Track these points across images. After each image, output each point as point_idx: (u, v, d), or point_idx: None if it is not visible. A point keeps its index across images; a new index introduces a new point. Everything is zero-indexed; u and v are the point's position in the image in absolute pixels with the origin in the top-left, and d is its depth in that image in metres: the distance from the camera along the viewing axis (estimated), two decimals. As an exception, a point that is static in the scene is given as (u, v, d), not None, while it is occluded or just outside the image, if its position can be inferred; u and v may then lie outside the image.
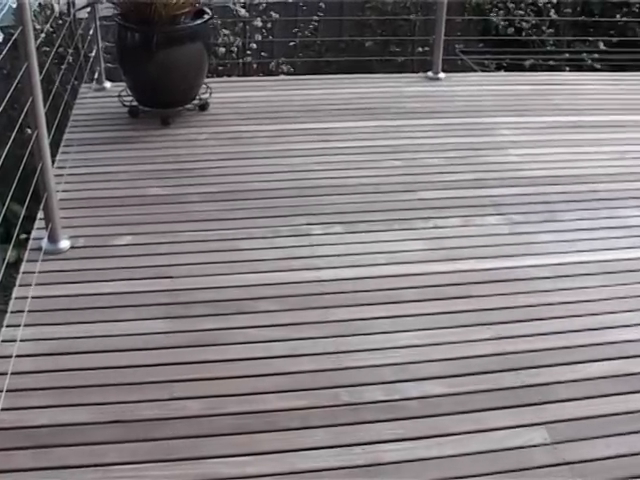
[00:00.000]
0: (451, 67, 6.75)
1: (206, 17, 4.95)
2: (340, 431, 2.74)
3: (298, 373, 2.98)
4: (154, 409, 2.79)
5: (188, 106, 5.02)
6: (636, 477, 2.63)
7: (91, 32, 5.37)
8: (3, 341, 3.04)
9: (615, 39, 8.49)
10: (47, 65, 4.69)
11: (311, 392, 2.89)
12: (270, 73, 7.18)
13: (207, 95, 5.11)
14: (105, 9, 5.24)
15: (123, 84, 5.08)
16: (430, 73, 5.82)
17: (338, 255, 3.66)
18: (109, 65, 5.52)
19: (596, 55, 8.30)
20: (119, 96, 5.02)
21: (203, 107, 5.08)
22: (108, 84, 5.41)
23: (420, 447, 2.69)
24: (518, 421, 2.81)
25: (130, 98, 5.01)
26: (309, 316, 3.27)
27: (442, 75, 5.82)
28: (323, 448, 2.67)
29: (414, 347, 3.14)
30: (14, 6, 3.20)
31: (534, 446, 2.72)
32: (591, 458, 2.69)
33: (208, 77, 5.39)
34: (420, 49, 7.95)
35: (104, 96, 5.29)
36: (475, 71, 7.23)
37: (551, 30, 8.46)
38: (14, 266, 3.73)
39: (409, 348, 3.13)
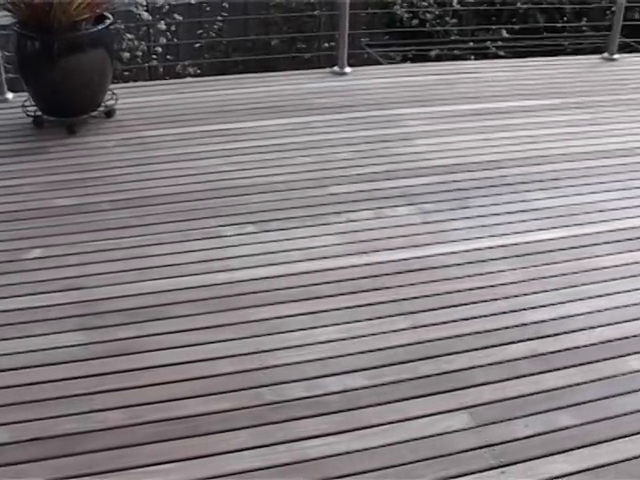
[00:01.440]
0: (358, 61, 6.80)
1: (108, 22, 4.88)
2: (264, 431, 2.73)
3: (218, 376, 2.95)
4: (75, 423, 2.73)
5: (94, 113, 4.94)
6: (554, 454, 2.68)
7: (-11, 42, 5.25)
8: None
9: (517, 26, 8.65)
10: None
11: (232, 394, 2.87)
12: (177, 76, 7.14)
13: (113, 101, 5.05)
14: (3, 17, 5.12)
15: (26, 94, 4.98)
16: (336, 68, 5.85)
17: (252, 255, 3.64)
18: (10, 75, 5.41)
19: (500, 43, 8.45)
20: (23, 106, 4.92)
21: (109, 114, 5.01)
22: (10, 95, 5.30)
23: (344, 441, 2.70)
24: (439, 408, 2.84)
25: (34, 108, 4.91)
26: (226, 318, 3.24)
27: (348, 69, 5.85)
28: (247, 449, 2.65)
29: (334, 342, 3.14)
30: None
31: (456, 431, 2.75)
32: (512, 439, 2.72)
33: (113, 83, 5.32)
34: (326, 44, 7.99)
35: (7, 107, 5.18)
36: (381, 64, 7.28)
37: (455, 20, 8.58)
38: None
39: (329, 343, 3.13)
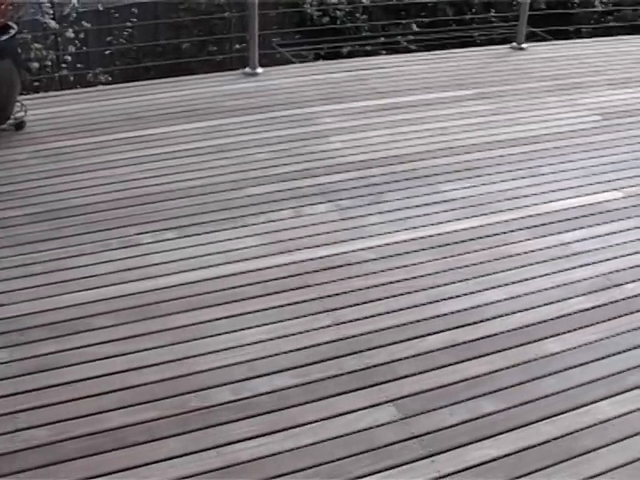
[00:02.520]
0: (270, 61, 6.81)
1: (13, 32, 4.80)
2: (192, 437, 2.72)
3: (143, 385, 2.93)
4: (0, 443, 2.70)
5: (3, 126, 4.86)
6: (480, 440, 2.74)
7: None
8: None
9: (427, 20, 8.76)
10: None
11: (158, 403, 2.85)
12: (88, 84, 7.05)
13: (22, 113, 4.97)
14: None
15: None
16: (248, 69, 5.86)
17: (172, 261, 3.63)
18: None
19: (410, 37, 8.54)
20: None
21: (19, 126, 4.94)
22: None
23: (275, 441, 2.71)
24: (366, 402, 2.88)
25: (-59, 124, 4.82)
26: (148, 326, 3.23)
27: (260, 70, 5.86)
28: (176, 457, 2.65)
29: (259, 343, 3.16)
30: None
31: (384, 424, 2.79)
32: (438, 428, 2.78)
33: (23, 94, 5.24)
34: (237, 46, 7.98)
35: None
36: (293, 63, 7.30)
37: (365, 16, 8.65)
38: None
39: (254, 345, 3.15)
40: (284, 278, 3.53)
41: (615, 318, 3.41)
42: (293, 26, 8.42)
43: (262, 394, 2.90)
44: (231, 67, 6.97)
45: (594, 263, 3.78)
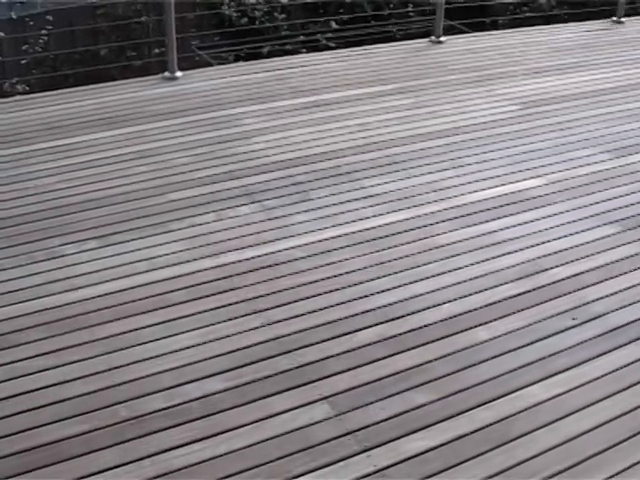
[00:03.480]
0: (190, 64, 6.76)
1: None
2: (126, 447, 2.68)
3: (76, 397, 2.88)
4: None
5: None
6: (414, 431, 2.76)
7: None
8: None
9: (346, 17, 8.80)
10: None
11: (92, 414, 2.80)
12: (5, 95, 6.90)
13: (-64, 128, 4.86)
14: None
15: None
16: (167, 73, 5.80)
17: (96, 271, 3.57)
18: None
19: (329, 34, 8.57)
20: None
21: None
22: None
23: (209, 447, 2.68)
24: (300, 401, 2.87)
25: None
26: (78, 338, 3.17)
27: (180, 74, 5.81)
28: (111, 468, 2.60)
29: (190, 348, 3.12)
30: None
31: (319, 422, 2.78)
32: (372, 423, 2.79)
33: None
34: (157, 50, 7.91)
35: None
36: (213, 65, 7.26)
37: (284, 15, 8.66)
38: None
39: (185, 350, 3.11)
40: (211, 282, 3.50)
41: (542, 303, 3.46)
42: (212, 28, 8.39)
43: (194, 400, 2.87)
44: (151, 72, 6.91)
45: (520, 250, 3.84)
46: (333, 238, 3.83)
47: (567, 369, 3.10)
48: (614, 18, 7.81)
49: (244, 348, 3.12)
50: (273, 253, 3.70)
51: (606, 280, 3.67)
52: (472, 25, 8.36)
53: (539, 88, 5.93)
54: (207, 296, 3.41)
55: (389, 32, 8.92)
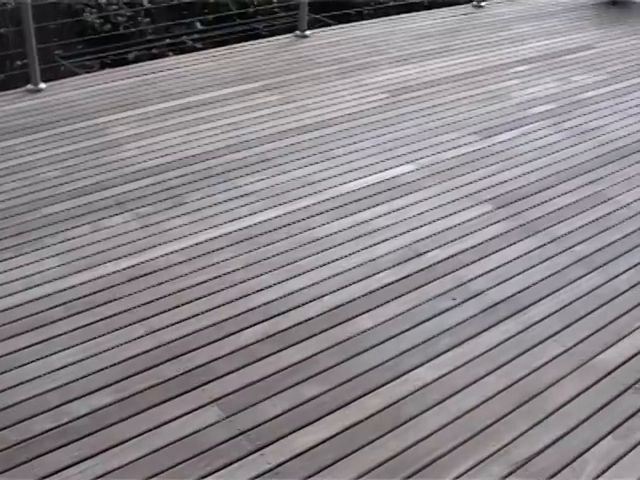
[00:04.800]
0: (56, 75, 6.60)
1: None
2: (16, 473, 2.61)
3: (-40, 426, 2.80)
4: None
5: None
6: (306, 425, 2.78)
7: None
8: None
9: (211, 16, 8.74)
10: None
11: (-25, 442, 2.73)
12: None
13: None
14: None
15: None
16: (30, 86, 5.65)
17: (-31, 294, 3.48)
18: None
19: (196, 35, 8.50)
20: None
21: None
22: None
23: (101, 462, 2.64)
24: (190, 406, 2.85)
25: None
26: (-45, 364, 3.08)
27: (43, 85, 5.67)
28: (6, 495, 2.54)
29: (73, 364, 3.06)
30: None
31: (210, 425, 2.77)
32: (263, 421, 2.80)
33: None
34: (19, 62, 7.69)
35: None
36: (79, 74, 7.11)
37: (148, 19, 8.54)
38: None
39: (68, 367, 3.05)
40: (90, 295, 3.44)
41: (421, 286, 3.53)
42: (75, 36, 8.20)
43: (82, 416, 2.82)
44: (15, 85, 6.73)
45: (395, 237, 3.90)
46: (211, 240, 3.82)
47: (451, 349, 3.18)
48: (474, 3, 8.01)
49: (129, 359, 3.08)
50: (151, 260, 3.66)
51: (481, 259, 3.77)
52: (337, 17, 8.42)
53: (405, 75, 6.04)
54: (87, 310, 3.35)
55: (255, 29, 8.90)
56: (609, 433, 2.83)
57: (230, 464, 2.64)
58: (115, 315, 3.31)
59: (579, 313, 3.44)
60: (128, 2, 8.41)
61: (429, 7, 8.33)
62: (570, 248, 3.91)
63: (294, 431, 2.76)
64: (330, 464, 2.64)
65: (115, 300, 3.40)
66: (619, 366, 3.15)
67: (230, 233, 3.88)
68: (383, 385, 2.97)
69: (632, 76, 6.41)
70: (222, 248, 3.76)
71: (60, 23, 8.14)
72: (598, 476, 2.66)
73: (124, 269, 3.60)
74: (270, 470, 2.62)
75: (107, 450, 2.68)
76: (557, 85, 6.08)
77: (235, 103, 5.38)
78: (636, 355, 3.21)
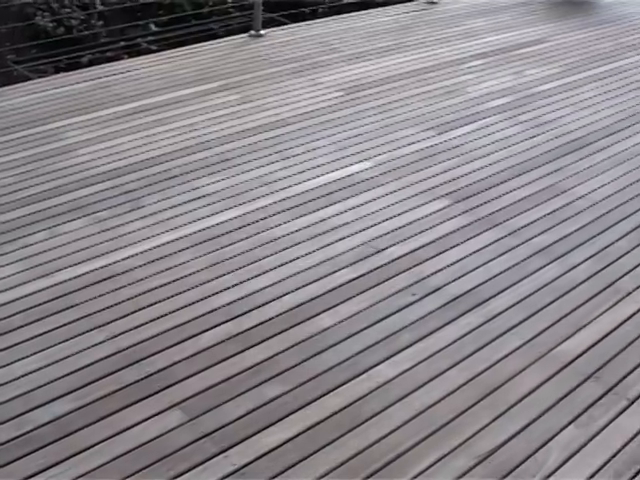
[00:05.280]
0: (8, 80, 6.53)
1: None
2: (-22, 484, 2.59)
3: None
4: None
5: None
6: (269, 425, 2.77)
7: None
8: None
9: (165, 18, 8.70)
10: None
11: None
12: None
13: None
14: None
15: None
16: (-22, 92, 5.59)
17: None
18: None
19: (151, 37, 8.45)
20: None
21: None
22: None
23: (64, 470, 2.61)
24: (152, 411, 2.83)
25: None
26: None
27: (-9, 91, 5.61)
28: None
29: (35, 372, 3.02)
30: None
31: (173, 429, 2.75)
32: (226, 422, 2.78)
33: None
34: (-29, 69, 7.60)
35: None
36: (32, 79, 7.04)
37: (101, 22, 8.48)
38: None
39: (30, 375, 3.01)
40: (48, 302, 3.39)
41: (381, 283, 3.55)
42: (27, 40, 8.11)
43: (45, 424, 2.78)
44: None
45: (354, 234, 3.91)
46: (170, 242, 3.79)
47: (411, 344, 3.19)
48: (430, -1, 8.07)
49: (89, 365, 3.05)
50: (110, 265, 3.63)
51: (440, 254, 3.79)
52: (292, 16, 8.42)
53: (360, 73, 6.06)
54: (46, 317, 3.31)
55: (211, 30, 8.87)
56: (571, 422, 2.86)
57: (194, 467, 2.62)
58: (74, 321, 3.28)
59: (538, 305, 3.48)
60: (81, 5, 8.34)
61: (383, 4, 8.35)
62: (528, 240, 3.95)
63: (258, 432, 2.75)
64: (294, 464, 2.64)
65: (74, 306, 3.37)
66: (579, 356, 3.19)
67: (189, 235, 3.86)
68: (344, 383, 2.97)
69: (585, 69, 6.50)
70: (181, 250, 3.74)
71: (12, 27, 8.05)
72: (561, 465, 2.68)
73: (83, 274, 3.57)
74: (235, 471, 2.60)
75: (71, 457, 2.65)
76: (512, 79, 6.14)
77: (192, 104, 5.36)
78: (595, 345, 3.26)
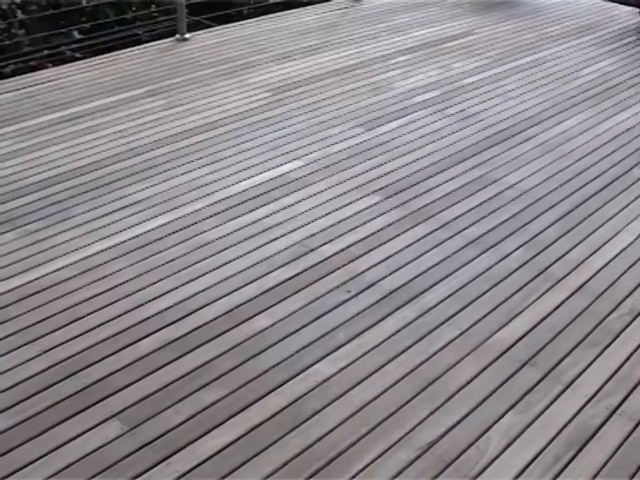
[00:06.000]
0: None
1: None
2: None
3: None
4: None
5: None
6: (210, 430, 2.76)
7: None
8: None
9: (88, 25, 8.61)
10: None
11: None
12: None
13: None
14: None
15: None
16: None
17: None
18: None
19: (74, 44, 8.36)
20: None
21: None
22: None
23: (3, 488, 2.59)
24: (91, 423, 2.79)
25: None
26: None
27: None
28: None
29: (-28, 388, 2.98)
30: None
31: (113, 440, 2.73)
32: (167, 430, 2.76)
33: None
34: None
35: None
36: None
37: (23, 30, 8.36)
38: None
39: (-38, 394, 2.97)
40: (-18, 317, 3.35)
41: (316, 281, 3.56)
42: (-53, 52, 7.98)
43: (-18, 441, 2.75)
44: None
45: (287, 234, 3.92)
46: (102, 252, 3.75)
47: (349, 341, 3.21)
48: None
49: (27, 379, 3.00)
50: (42, 277, 3.57)
51: (373, 249, 3.82)
52: (218, 18, 8.39)
53: (288, 72, 6.06)
54: (-20, 332, 3.26)
55: (136, 35, 8.80)
56: (509, 409, 2.90)
57: (137, 477, 2.59)
58: (7, 336, 3.22)
59: (472, 295, 3.52)
60: (0, 14, 8.21)
61: (308, 3, 8.37)
62: (460, 232, 4.00)
63: (199, 437, 2.74)
64: (237, 467, 2.63)
65: (6, 321, 3.31)
66: (514, 344, 3.24)
67: (121, 243, 3.82)
68: (284, 383, 2.98)
69: (510, 60, 6.59)
70: (114, 259, 3.70)
71: None
72: (502, 452, 2.72)
73: (15, 288, 3.50)
74: (178, 478, 2.59)
75: (15, 473, 2.61)
76: (439, 73, 6.20)
77: (120, 111, 5.30)
78: (530, 332, 3.31)
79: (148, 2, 9.37)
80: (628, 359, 3.20)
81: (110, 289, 3.49)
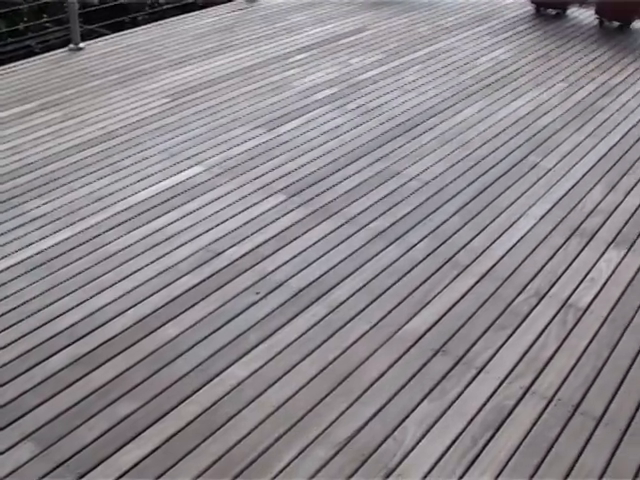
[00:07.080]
0: None
1: None
2: None
3: None
4: None
5: None
6: (125, 444, 2.72)
7: None
8: None
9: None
10: None
11: None
12: None
13: None
14: None
15: None
16: None
17: None
18: None
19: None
20: None
21: None
22: None
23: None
24: (4, 445, 2.72)
25: None
26: None
27: None
28: None
29: None
30: None
31: (26, 463, 2.66)
32: (81, 447, 2.72)
33: None
34: None
35: None
36: None
37: None
38: None
39: None
40: None
41: (224, 285, 3.54)
42: None
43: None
44: None
45: (192, 239, 3.89)
46: (3, 271, 3.65)
47: (261, 342, 3.20)
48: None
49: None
50: None
51: (280, 249, 3.82)
52: (112, 26, 8.27)
53: (186, 77, 6.01)
54: None
55: (28, 47, 8.63)
56: (424, 398, 2.94)
57: (52, 497, 2.55)
58: None
59: (382, 288, 3.56)
60: None
61: (203, 7, 8.31)
62: (365, 226, 4.02)
63: (114, 452, 2.70)
64: (156, 478, 2.60)
65: None
66: (424, 333, 3.28)
67: (23, 261, 3.72)
68: (198, 390, 2.96)
69: (406, 53, 6.67)
70: (16, 277, 3.60)
71: None
72: (419, 440, 2.76)
73: None
74: (95, 495, 2.56)
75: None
76: (337, 69, 6.23)
77: (12, 126, 5.15)
78: (440, 320, 3.36)
79: (39, 12, 9.19)
80: (536, 340, 3.28)
81: (15, 308, 3.40)
